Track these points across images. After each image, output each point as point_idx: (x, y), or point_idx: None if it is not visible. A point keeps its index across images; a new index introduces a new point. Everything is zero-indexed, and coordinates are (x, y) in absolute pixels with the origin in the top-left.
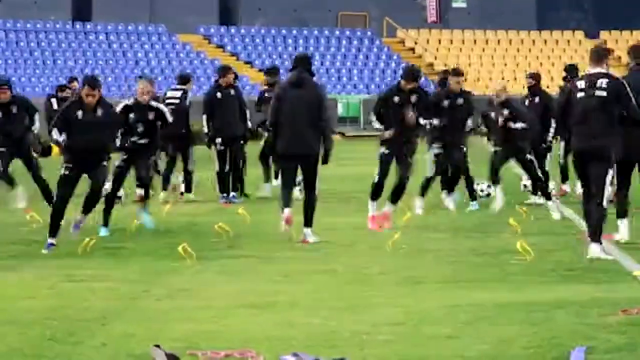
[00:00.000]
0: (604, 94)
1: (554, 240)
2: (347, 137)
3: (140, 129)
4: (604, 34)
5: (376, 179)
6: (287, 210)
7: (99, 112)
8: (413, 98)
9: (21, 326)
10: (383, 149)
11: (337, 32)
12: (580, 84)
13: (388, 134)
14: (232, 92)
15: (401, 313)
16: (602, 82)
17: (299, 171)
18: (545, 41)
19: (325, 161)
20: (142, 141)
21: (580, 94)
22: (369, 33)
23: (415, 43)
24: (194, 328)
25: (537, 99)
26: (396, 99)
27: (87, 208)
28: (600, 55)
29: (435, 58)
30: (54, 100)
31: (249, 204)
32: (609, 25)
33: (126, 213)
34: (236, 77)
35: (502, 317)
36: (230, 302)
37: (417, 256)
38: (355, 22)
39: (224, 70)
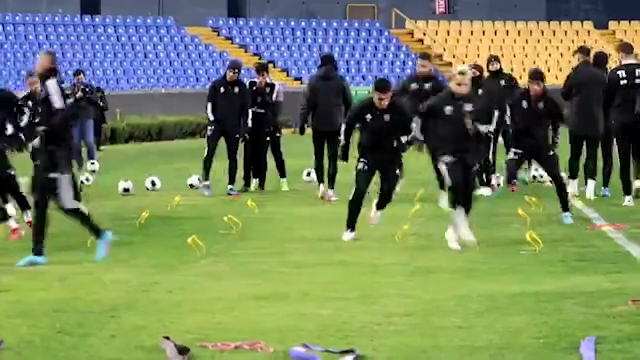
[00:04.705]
0: None
1: (563, 231)
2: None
3: None
4: (613, 25)
5: None
6: (322, 187)
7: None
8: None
9: (32, 318)
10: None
11: (346, 24)
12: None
13: None
14: (237, 90)
15: (412, 304)
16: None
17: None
18: (555, 32)
19: None
20: None
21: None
22: (377, 25)
23: (424, 34)
24: (204, 320)
25: (480, 91)
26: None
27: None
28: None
29: (444, 50)
30: None
31: (258, 195)
32: (618, 15)
33: (136, 205)
34: (266, 69)
35: (512, 307)
36: (240, 294)
37: (427, 247)
38: (363, 14)
39: (230, 65)
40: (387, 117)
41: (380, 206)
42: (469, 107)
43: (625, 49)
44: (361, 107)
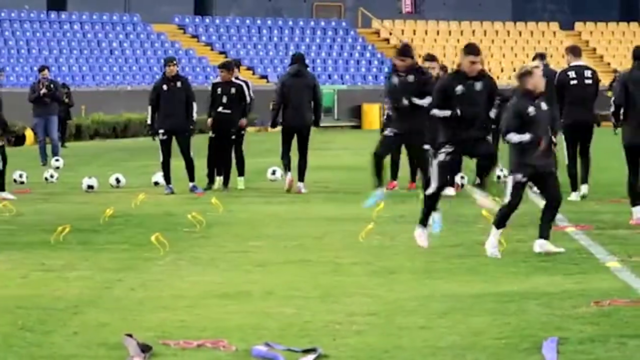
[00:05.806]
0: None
1: (526, 231)
2: (320, 127)
3: None
4: (579, 26)
5: None
6: (289, 175)
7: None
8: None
9: None
10: None
11: (312, 23)
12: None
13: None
14: (179, 84)
15: (374, 303)
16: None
17: None
18: (520, 32)
19: (316, 124)
20: None
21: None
22: (343, 24)
23: (390, 34)
24: (167, 317)
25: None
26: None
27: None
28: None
29: None
30: None
31: (222, 193)
32: (584, 16)
33: (100, 202)
34: (238, 66)
35: (474, 308)
36: (203, 292)
37: (390, 247)
38: (330, 13)
39: (166, 61)
40: (478, 85)
41: (482, 179)
42: (544, 106)
43: (574, 51)
44: (447, 82)
